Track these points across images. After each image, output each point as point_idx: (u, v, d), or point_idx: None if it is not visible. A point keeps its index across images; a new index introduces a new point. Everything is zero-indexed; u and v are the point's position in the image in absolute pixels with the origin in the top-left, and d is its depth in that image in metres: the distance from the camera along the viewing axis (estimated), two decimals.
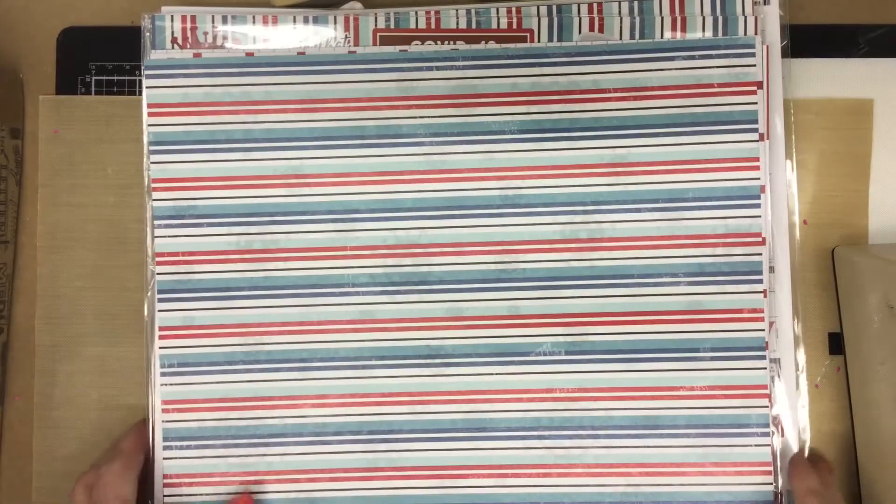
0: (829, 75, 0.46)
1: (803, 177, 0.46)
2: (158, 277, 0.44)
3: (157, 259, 0.44)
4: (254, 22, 0.44)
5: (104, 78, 0.46)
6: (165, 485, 0.43)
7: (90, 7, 0.47)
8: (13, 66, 0.47)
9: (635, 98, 0.43)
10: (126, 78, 0.46)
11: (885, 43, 0.46)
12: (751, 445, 0.42)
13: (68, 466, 0.45)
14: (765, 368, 0.43)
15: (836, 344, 0.45)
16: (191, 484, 0.43)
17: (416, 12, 0.44)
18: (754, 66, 0.43)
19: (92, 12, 0.47)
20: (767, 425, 0.42)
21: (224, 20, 0.44)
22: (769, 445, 0.42)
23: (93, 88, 0.47)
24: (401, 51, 0.44)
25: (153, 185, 0.44)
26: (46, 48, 0.47)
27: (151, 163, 0.44)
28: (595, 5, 0.44)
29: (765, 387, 0.43)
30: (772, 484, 0.42)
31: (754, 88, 0.43)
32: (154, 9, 0.45)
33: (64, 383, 0.46)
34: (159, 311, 0.44)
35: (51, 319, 0.46)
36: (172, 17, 0.44)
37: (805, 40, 0.46)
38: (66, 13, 0.47)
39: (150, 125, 0.44)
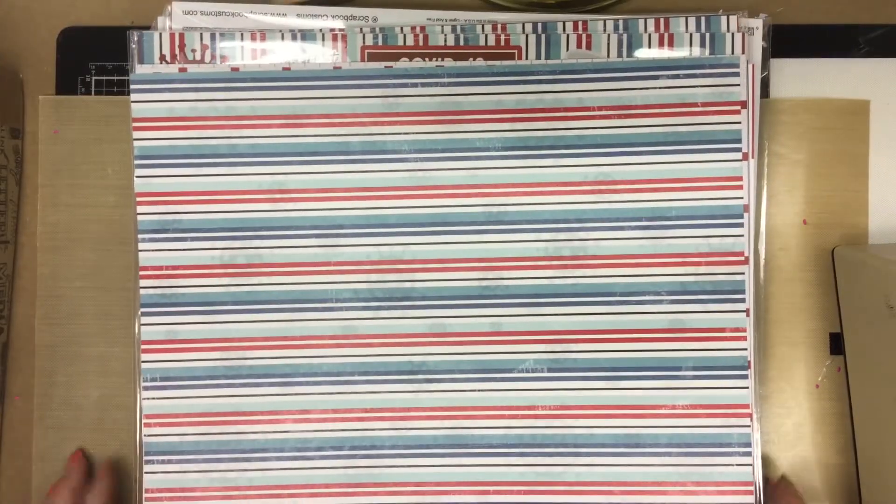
0: (828, 75, 0.46)
1: (802, 177, 0.45)
2: (142, 291, 0.44)
3: (141, 273, 0.44)
4: (242, 39, 0.44)
5: (104, 78, 0.47)
6: (147, 499, 0.43)
7: (90, 7, 0.47)
8: (13, 66, 0.47)
9: (620, 116, 0.43)
10: (126, 78, 0.46)
11: (884, 43, 0.46)
12: (732, 465, 0.42)
13: None
14: (747, 388, 0.43)
15: (836, 344, 0.45)
16: (171, 499, 0.43)
17: (403, 29, 0.44)
18: (738, 85, 0.43)
19: (92, 12, 0.47)
20: (749, 445, 0.42)
21: (213, 37, 0.44)
22: (750, 465, 0.42)
23: (93, 88, 0.47)
24: (385, 67, 0.44)
25: (137, 198, 0.44)
26: (46, 48, 0.47)
27: (136, 177, 0.44)
28: (580, 23, 0.44)
29: (746, 406, 0.43)
30: None
31: (738, 108, 0.43)
32: (155, 10, 0.45)
33: (64, 383, 0.46)
34: (142, 324, 0.44)
35: (51, 319, 0.46)
36: (161, 35, 0.44)
37: (804, 40, 0.46)
38: (66, 13, 0.47)
39: (135, 139, 0.44)
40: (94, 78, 0.47)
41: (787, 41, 0.46)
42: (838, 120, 0.46)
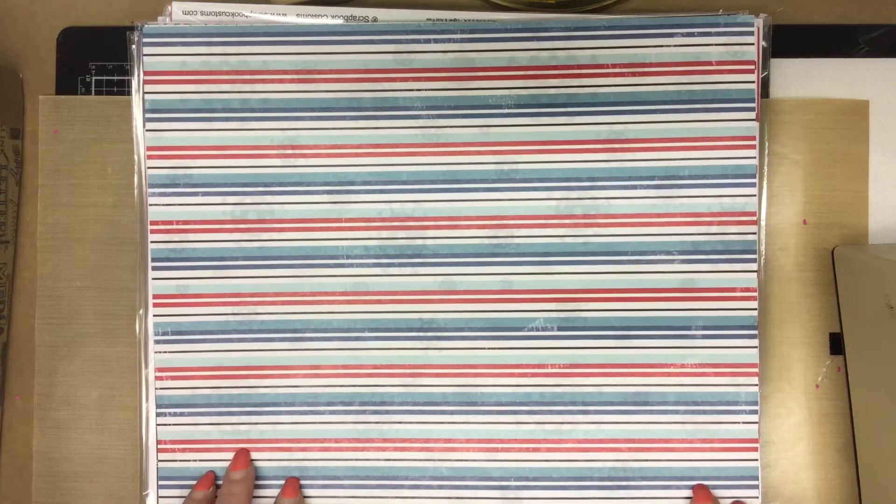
0: (828, 75, 0.46)
1: (802, 177, 0.45)
2: (152, 246, 0.44)
3: (151, 227, 0.44)
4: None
5: (104, 78, 0.46)
6: (160, 450, 0.44)
7: (90, 7, 0.47)
8: (13, 66, 0.47)
9: (633, 74, 0.43)
10: (126, 78, 0.46)
11: (884, 43, 0.46)
12: (739, 423, 0.43)
13: (68, 466, 0.46)
14: (755, 347, 0.43)
15: (836, 344, 0.45)
16: (184, 450, 0.44)
17: None
18: (753, 44, 0.43)
19: (92, 12, 0.47)
20: (756, 403, 0.43)
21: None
22: (757, 423, 0.43)
23: (93, 88, 0.46)
24: (399, 22, 0.43)
25: (148, 152, 0.44)
26: (46, 48, 0.47)
27: (147, 130, 0.44)
28: None
29: (754, 365, 0.43)
30: (758, 461, 0.43)
31: (752, 67, 0.43)
32: (155, 10, 0.45)
33: (64, 383, 0.46)
34: (153, 279, 0.44)
35: (51, 319, 0.46)
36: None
37: (804, 40, 0.46)
38: (66, 13, 0.47)
39: (146, 92, 0.44)
40: (94, 78, 0.46)
41: (787, 41, 0.45)
42: (838, 120, 0.45)
